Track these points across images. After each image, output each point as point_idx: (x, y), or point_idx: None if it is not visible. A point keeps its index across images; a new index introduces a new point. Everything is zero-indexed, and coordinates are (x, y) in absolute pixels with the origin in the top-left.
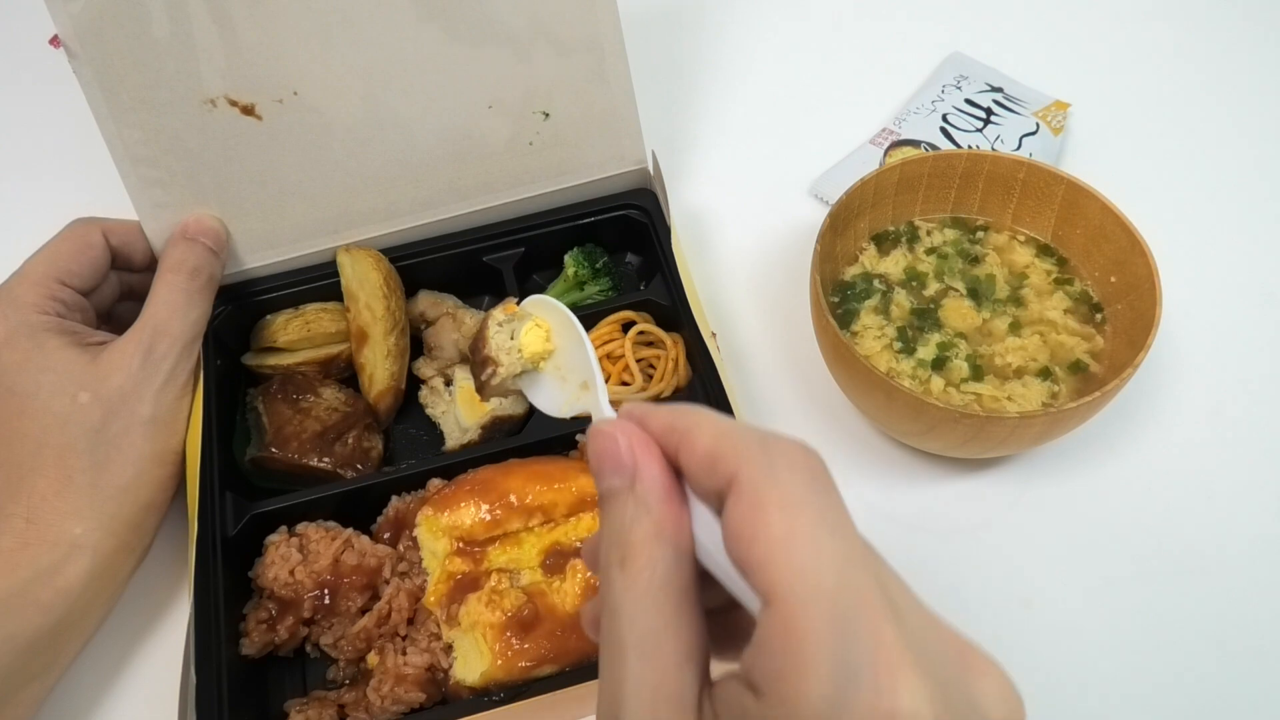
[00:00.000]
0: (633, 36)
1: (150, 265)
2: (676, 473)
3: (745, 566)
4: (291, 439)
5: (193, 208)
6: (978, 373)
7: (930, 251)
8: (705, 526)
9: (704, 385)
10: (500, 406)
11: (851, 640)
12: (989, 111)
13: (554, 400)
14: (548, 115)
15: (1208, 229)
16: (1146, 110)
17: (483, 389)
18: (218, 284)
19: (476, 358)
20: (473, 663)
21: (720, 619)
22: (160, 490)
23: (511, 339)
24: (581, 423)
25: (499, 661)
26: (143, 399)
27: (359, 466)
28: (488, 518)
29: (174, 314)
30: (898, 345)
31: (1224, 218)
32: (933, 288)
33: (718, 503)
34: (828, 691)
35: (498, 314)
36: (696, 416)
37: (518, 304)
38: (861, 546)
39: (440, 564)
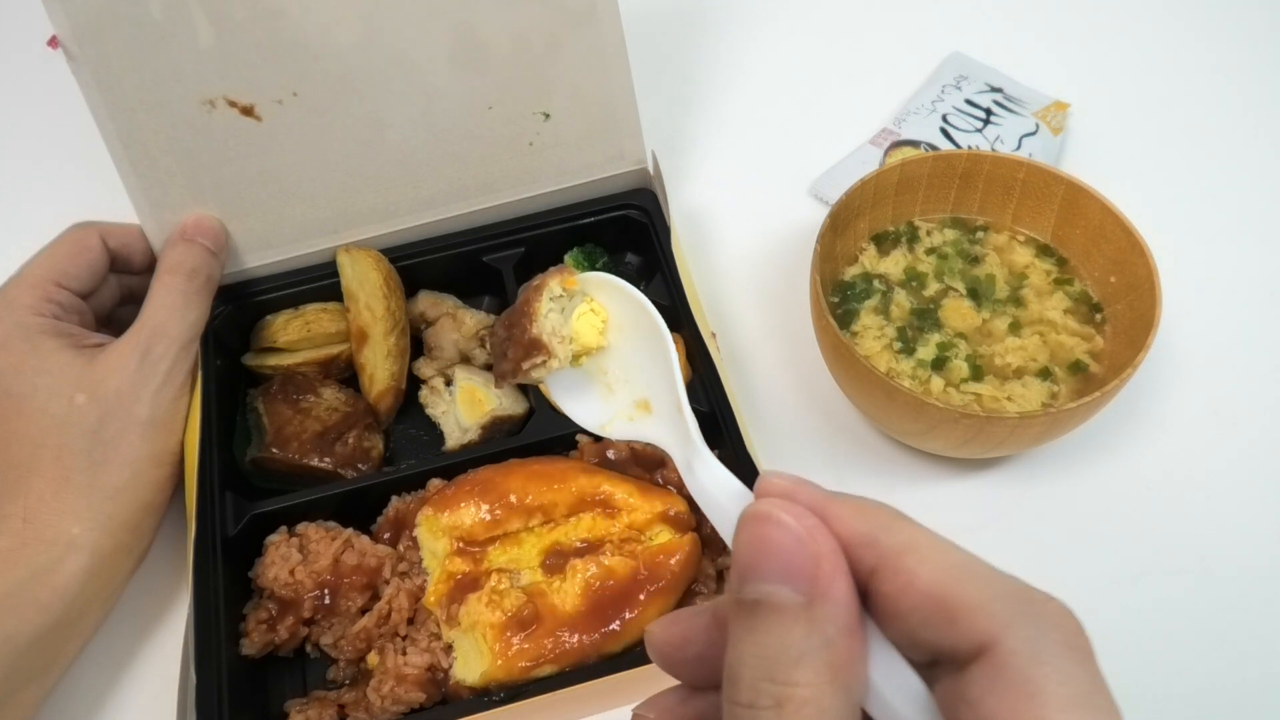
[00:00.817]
0: (633, 36)
1: (150, 268)
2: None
3: (940, 635)
4: (292, 439)
5: (192, 208)
6: (978, 373)
7: (930, 251)
8: (888, 674)
9: (704, 385)
10: (500, 406)
11: (1054, 628)
12: (989, 112)
13: (592, 412)
14: (548, 115)
15: (1208, 229)
16: (1146, 110)
17: (511, 375)
18: (216, 284)
19: (516, 338)
20: (473, 663)
21: None
22: (158, 491)
23: (564, 321)
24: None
25: (499, 661)
26: (140, 400)
27: (359, 466)
28: (488, 518)
29: (171, 315)
30: (898, 345)
31: (1224, 217)
32: (933, 288)
33: (923, 652)
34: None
35: (553, 285)
36: (908, 530)
37: (576, 275)
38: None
39: (440, 564)
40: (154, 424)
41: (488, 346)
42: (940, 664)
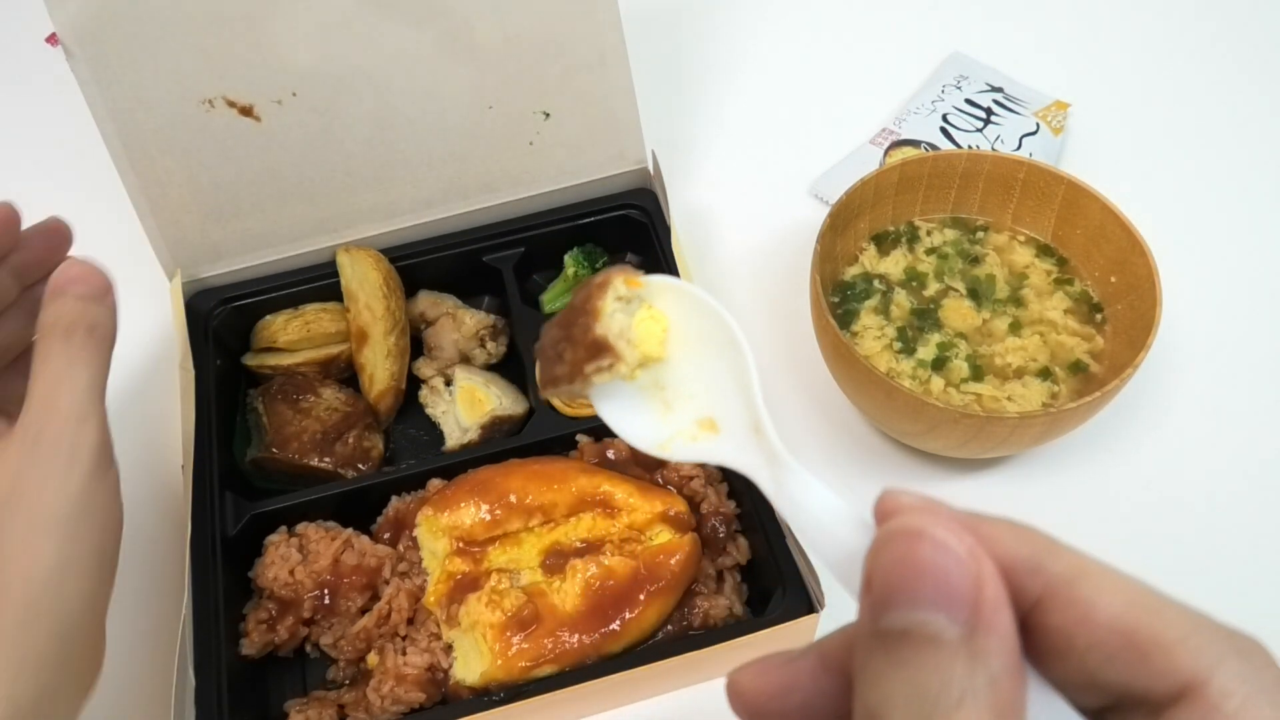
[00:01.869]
0: (633, 36)
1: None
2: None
3: (1132, 676)
4: (292, 439)
5: (192, 207)
6: (978, 373)
7: (930, 251)
8: (1049, 714)
9: None
10: (500, 406)
11: (1251, 654)
12: (989, 111)
13: (645, 428)
14: (548, 115)
15: (1208, 229)
16: (1146, 110)
17: (567, 379)
18: (108, 333)
19: (576, 337)
20: (472, 663)
21: None
22: (91, 605)
23: (629, 324)
24: (584, 422)
25: (499, 661)
26: (41, 498)
27: (359, 466)
28: (488, 518)
29: (58, 385)
30: (898, 345)
31: (1224, 217)
32: (933, 288)
33: (1102, 695)
34: None
35: (619, 284)
36: (1074, 556)
37: (640, 277)
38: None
39: (440, 564)
40: (68, 521)
41: (533, 351)
42: (1122, 709)
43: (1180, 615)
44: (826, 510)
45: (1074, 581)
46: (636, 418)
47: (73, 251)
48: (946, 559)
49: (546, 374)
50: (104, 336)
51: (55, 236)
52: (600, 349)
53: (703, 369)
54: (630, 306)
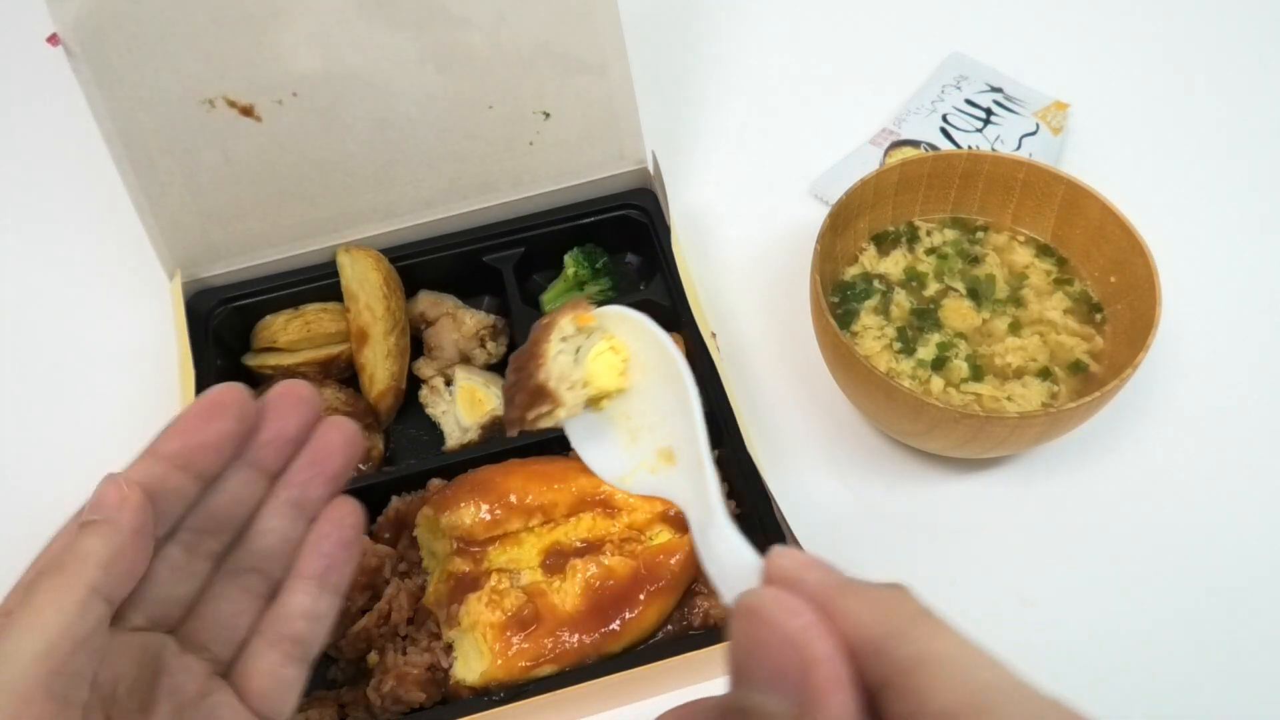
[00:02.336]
0: (633, 36)
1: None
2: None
3: None
4: None
5: (192, 208)
6: (978, 373)
7: (930, 251)
8: None
9: (704, 385)
10: (500, 406)
11: None
12: (989, 111)
13: (611, 460)
14: (548, 115)
15: (1208, 229)
16: (1146, 110)
17: (518, 424)
18: (125, 571)
19: (523, 382)
20: (473, 663)
21: None
22: None
23: (576, 362)
24: None
25: (499, 661)
26: None
27: (359, 466)
28: (488, 518)
29: (64, 637)
30: (898, 345)
31: (1224, 217)
32: (933, 288)
33: None
34: None
35: (565, 324)
36: (927, 636)
37: (592, 310)
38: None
39: (440, 564)
40: None
41: (501, 389)
42: None
43: (1019, 709)
44: (738, 562)
45: (912, 671)
46: (603, 449)
47: (72, 252)
48: (778, 639)
49: (505, 415)
50: (119, 572)
51: (299, 405)
52: (540, 395)
53: (662, 399)
54: (591, 339)
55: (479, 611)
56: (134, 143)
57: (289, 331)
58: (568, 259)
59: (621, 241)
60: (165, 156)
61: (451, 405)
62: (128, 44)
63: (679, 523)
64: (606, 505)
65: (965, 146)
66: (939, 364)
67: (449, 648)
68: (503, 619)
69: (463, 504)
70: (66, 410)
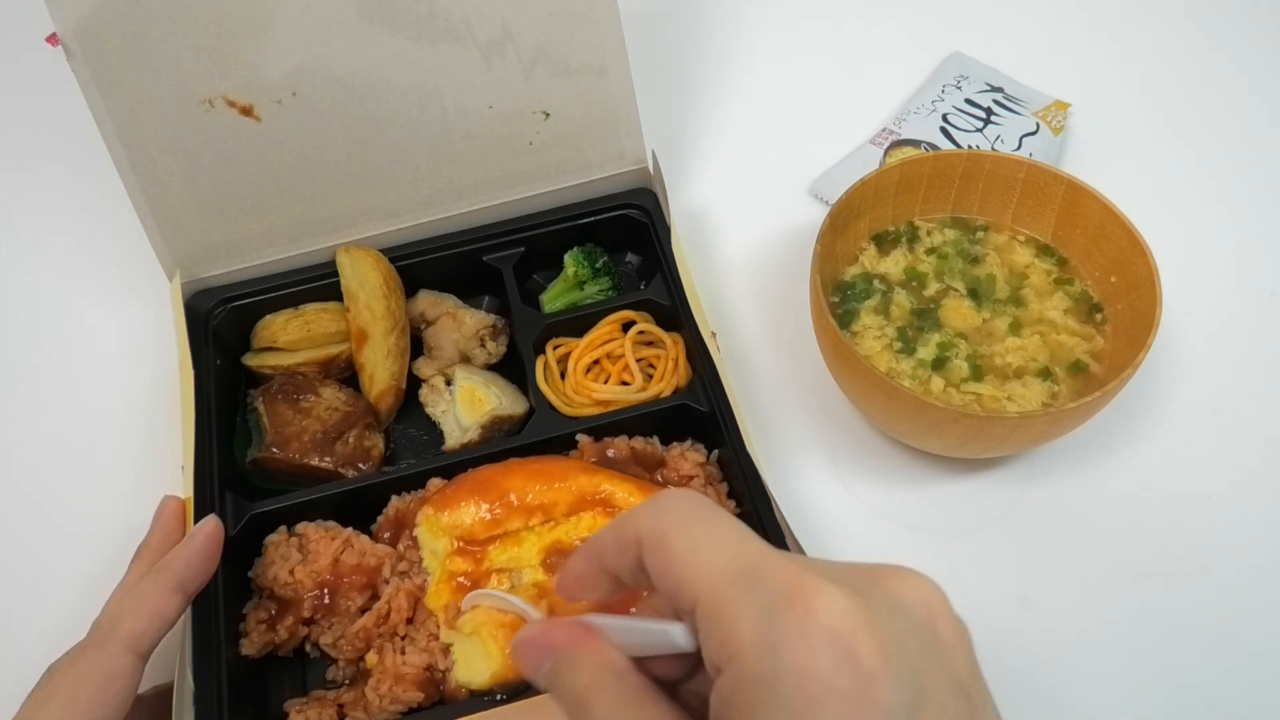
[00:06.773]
0: (633, 36)
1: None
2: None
3: (675, 599)
4: (292, 439)
5: (192, 207)
6: (978, 373)
7: (930, 251)
8: (621, 631)
9: (704, 385)
10: (500, 406)
11: (762, 585)
12: (989, 111)
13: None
14: (548, 115)
15: (1208, 229)
16: (1146, 110)
17: None
18: (144, 642)
19: None
20: (479, 665)
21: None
22: None
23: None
24: (584, 422)
25: (510, 661)
26: None
27: (359, 466)
28: (488, 517)
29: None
30: (898, 345)
31: (1224, 217)
32: (933, 288)
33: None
34: (760, 629)
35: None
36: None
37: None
38: (750, 531)
39: (441, 563)
40: None
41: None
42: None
43: (632, 514)
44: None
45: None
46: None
47: (72, 252)
48: (535, 640)
49: None
50: (141, 644)
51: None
52: None
53: None
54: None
55: (483, 612)
56: (134, 143)
57: (289, 331)
58: (568, 259)
59: (621, 241)
60: (165, 156)
61: (451, 405)
62: (128, 44)
63: None
64: (607, 504)
65: (965, 146)
66: (939, 364)
67: (447, 648)
68: (511, 618)
69: (463, 503)
70: (66, 410)
